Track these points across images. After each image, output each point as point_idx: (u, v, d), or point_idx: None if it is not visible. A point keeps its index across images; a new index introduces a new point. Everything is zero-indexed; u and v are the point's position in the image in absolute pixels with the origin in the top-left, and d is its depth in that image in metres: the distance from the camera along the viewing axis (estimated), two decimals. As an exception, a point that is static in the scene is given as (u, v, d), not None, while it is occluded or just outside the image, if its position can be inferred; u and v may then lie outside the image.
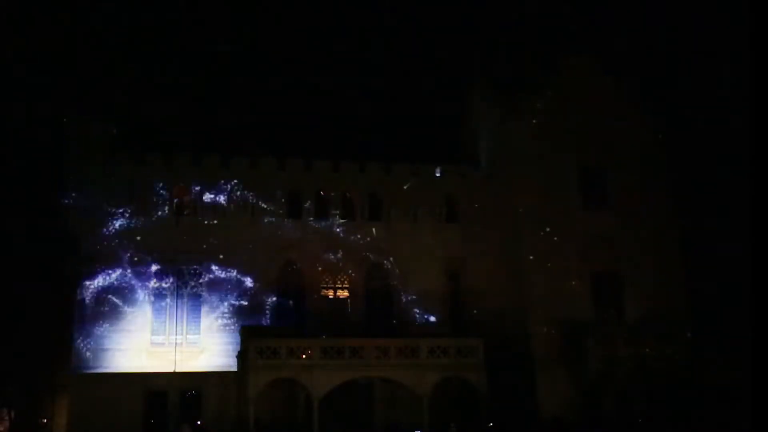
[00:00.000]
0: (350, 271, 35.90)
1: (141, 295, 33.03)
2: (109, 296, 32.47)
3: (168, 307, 33.42)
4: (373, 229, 36.22)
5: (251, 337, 31.43)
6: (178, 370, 31.81)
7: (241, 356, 31.71)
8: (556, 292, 34.83)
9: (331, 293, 35.98)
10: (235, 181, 35.28)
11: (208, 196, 34.97)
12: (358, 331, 34.03)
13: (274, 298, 34.42)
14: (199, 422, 30.70)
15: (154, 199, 34.33)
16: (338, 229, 35.84)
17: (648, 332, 35.03)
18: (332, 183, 36.67)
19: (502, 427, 30.74)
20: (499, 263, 36.02)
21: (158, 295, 33.48)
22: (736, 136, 34.54)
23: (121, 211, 33.68)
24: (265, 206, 35.35)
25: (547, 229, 35.71)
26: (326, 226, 35.84)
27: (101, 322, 32.10)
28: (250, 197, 35.27)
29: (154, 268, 33.53)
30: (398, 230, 36.34)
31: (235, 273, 33.93)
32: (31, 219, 34.54)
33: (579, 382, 32.60)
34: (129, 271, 33.00)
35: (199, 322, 33.40)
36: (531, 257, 35.36)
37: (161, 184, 34.57)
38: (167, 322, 33.04)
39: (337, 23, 51.52)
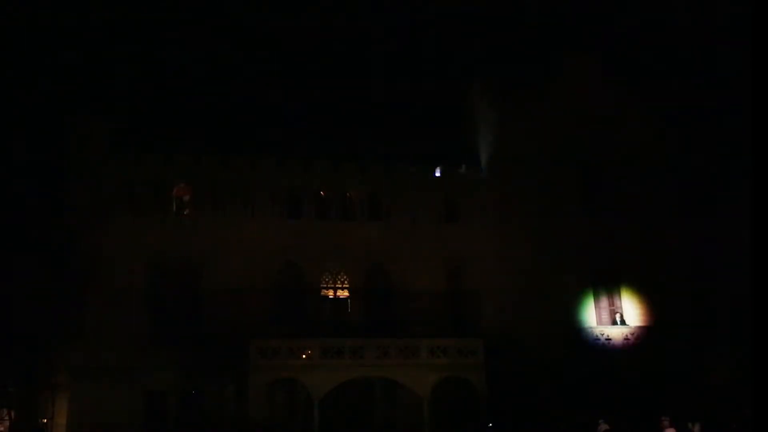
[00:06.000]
0: (350, 271, 35.90)
1: (141, 294, 32.99)
2: (110, 296, 32.45)
3: (169, 306, 33.40)
4: (373, 229, 36.21)
5: (252, 337, 31.45)
6: (178, 369, 31.78)
7: (242, 356, 31.67)
8: (556, 292, 34.91)
9: (331, 293, 35.96)
10: (235, 180, 35.32)
11: (207, 196, 35.01)
12: (358, 331, 34.02)
13: (274, 298, 34.37)
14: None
15: (154, 199, 34.36)
16: (338, 229, 35.81)
17: (648, 332, 35.14)
18: (332, 183, 36.69)
19: (502, 427, 30.76)
20: (499, 263, 36.01)
21: (159, 293, 33.46)
22: (737, 136, 34.53)
23: (121, 210, 33.68)
24: (265, 206, 35.38)
25: (547, 229, 35.76)
26: (326, 226, 35.83)
27: (101, 321, 32.07)
28: (250, 197, 35.30)
29: (154, 267, 33.52)
30: (398, 230, 36.32)
31: (234, 273, 33.88)
32: (30, 218, 34.48)
33: (579, 382, 32.62)
34: (129, 270, 32.98)
35: (200, 321, 33.34)
36: (530, 257, 35.43)
37: (161, 184, 34.62)
38: (168, 321, 33.00)
39: (336, 22, 51.49)
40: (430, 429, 30.87)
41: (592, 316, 35.70)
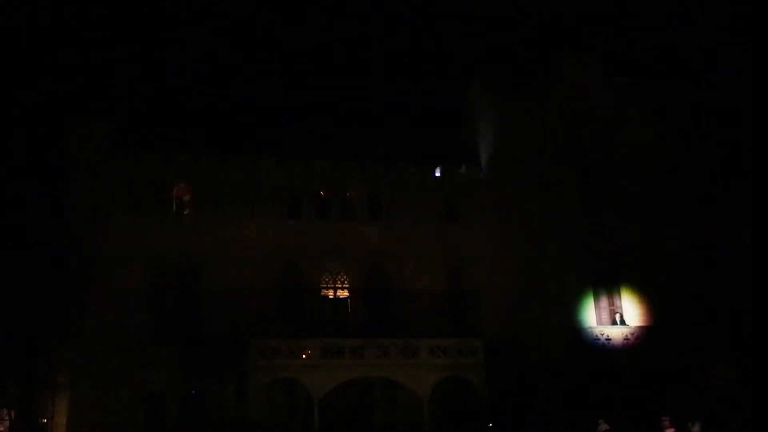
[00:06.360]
0: (350, 271, 35.89)
1: (141, 294, 32.98)
2: (110, 296, 32.45)
3: (169, 306, 33.40)
4: (373, 229, 36.20)
5: (252, 337, 31.48)
6: (178, 369, 31.79)
7: (242, 356, 31.68)
8: (556, 292, 34.92)
9: (331, 293, 35.95)
10: (235, 180, 35.32)
11: (207, 196, 35.01)
12: (358, 331, 34.03)
13: (274, 298, 34.36)
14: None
15: (154, 199, 34.37)
16: (338, 229, 35.80)
17: (648, 332, 35.14)
18: (332, 183, 36.69)
19: (502, 427, 30.77)
20: (499, 263, 36.01)
21: (159, 293, 33.46)
22: (737, 136, 34.55)
23: (121, 210, 33.68)
24: (265, 206, 35.37)
25: (547, 229, 35.76)
26: (326, 226, 35.82)
27: (101, 321, 32.08)
28: (250, 197, 35.30)
29: (154, 267, 33.52)
30: (398, 230, 36.31)
31: (234, 273, 33.88)
32: (30, 218, 34.49)
33: (579, 382, 32.62)
34: (129, 270, 32.96)
35: (200, 321, 33.33)
36: (531, 257, 35.42)
37: (161, 184, 34.63)
38: (168, 321, 32.98)
39: (336, 22, 51.50)
40: (430, 429, 30.88)
41: (592, 316, 35.70)
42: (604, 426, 26.79)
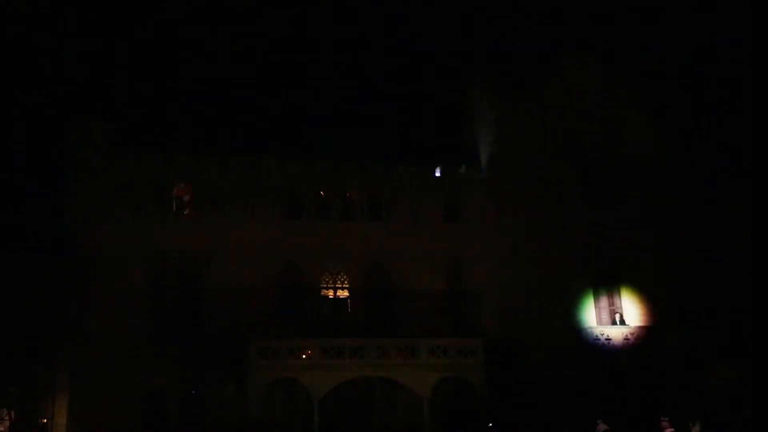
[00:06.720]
0: (350, 271, 35.89)
1: (141, 294, 32.97)
2: (110, 295, 32.44)
3: (169, 306, 33.39)
4: (373, 229, 36.19)
5: (252, 338, 31.47)
6: (178, 369, 31.79)
7: (242, 356, 31.70)
8: (556, 292, 34.89)
9: (331, 293, 35.95)
10: (235, 180, 35.31)
11: (207, 196, 35.00)
12: (358, 331, 34.02)
13: (274, 298, 34.36)
14: None
15: (154, 199, 34.36)
16: (338, 229, 35.80)
17: (648, 332, 35.14)
18: (332, 183, 36.68)
19: (502, 427, 30.76)
20: (499, 263, 36.01)
21: (158, 294, 33.45)
22: (738, 136, 34.53)
23: (121, 210, 33.67)
24: (265, 206, 35.36)
25: (547, 229, 35.75)
26: (326, 226, 35.82)
27: (101, 321, 32.06)
28: (250, 197, 35.30)
29: (154, 267, 33.51)
30: (398, 230, 36.31)
31: (234, 273, 33.88)
32: (30, 218, 34.52)
33: (579, 382, 32.62)
34: (129, 270, 32.96)
35: (200, 321, 33.33)
36: (531, 257, 35.41)
37: (161, 184, 34.62)
38: (168, 321, 32.98)
39: (336, 23, 51.52)
40: (430, 429, 30.88)
41: (592, 316, 35.67)
42: (602, 426, 26.79)
